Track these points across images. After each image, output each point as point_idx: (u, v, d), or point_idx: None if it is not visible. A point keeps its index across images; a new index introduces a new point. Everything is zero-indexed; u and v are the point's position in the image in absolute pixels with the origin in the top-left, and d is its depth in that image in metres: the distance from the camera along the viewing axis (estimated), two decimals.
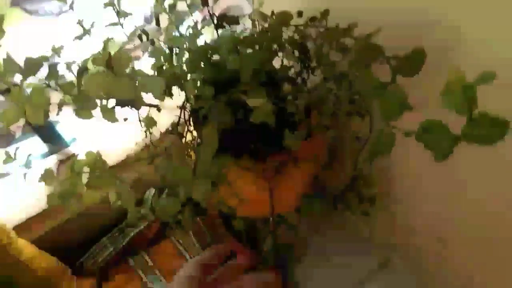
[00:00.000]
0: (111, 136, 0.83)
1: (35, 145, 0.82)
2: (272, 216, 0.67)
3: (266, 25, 0.62)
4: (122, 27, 0.57)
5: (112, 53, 0.60)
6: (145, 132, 0.61)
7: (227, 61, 0.51)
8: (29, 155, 0.65)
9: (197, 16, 0.67)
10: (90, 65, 0.60)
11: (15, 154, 0.62)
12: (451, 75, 0.32)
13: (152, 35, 0.65)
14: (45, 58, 0.45)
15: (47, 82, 0.46)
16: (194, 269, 0.41)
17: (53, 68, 0.48)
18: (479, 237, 0.63)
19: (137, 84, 0.46)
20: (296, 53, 0.61)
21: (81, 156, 0.87)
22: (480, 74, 0.29)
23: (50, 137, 0.82)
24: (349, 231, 0.83)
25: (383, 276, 0.79)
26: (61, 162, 0.85)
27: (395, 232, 0.77)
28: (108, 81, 0.45)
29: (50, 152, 0.82)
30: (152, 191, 0.68)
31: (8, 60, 0.44)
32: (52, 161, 0.83)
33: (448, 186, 0.64)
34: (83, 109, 0.52)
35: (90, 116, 0.53)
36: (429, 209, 0.72)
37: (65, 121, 0.85)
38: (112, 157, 0.81)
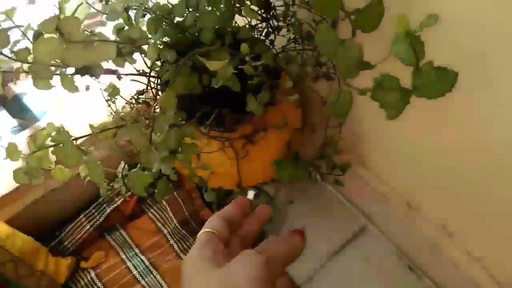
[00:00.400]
0: (80, 108, 0.81)
1: (4, 120, 0.80)
2: (241, 187, 0.67)
3: None
4: None
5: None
6: (108, 102, 0.59)
7: (186, 21, 0.50)
8: None
9: None
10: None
11: None
12: (399, 24, 0.31)
13: None
14: None
15: None
16: (217, 225, 0.37)
17: (3, 33, 0.45)
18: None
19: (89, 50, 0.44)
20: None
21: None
22: (424, 19, 0.28)
23: (19, 111, 0.80)
24: (324, 201, 0.83)
25: (360, 243, 0.80)
26: (31, 138, 0.83)
27: (368, 200, 0.78)
28: (58, 46, 0.43)
29: (21, 127, 0.81)
30: (122, 164, 0.67)
31: None
32: (23, 137, 0.82)
33: (416, 149, 0.64)
34: (40, 78, 0.50)
35: (48, 86, 0.51)
36: (398, 176, 0.72)
37: (34, 93, 0.83)
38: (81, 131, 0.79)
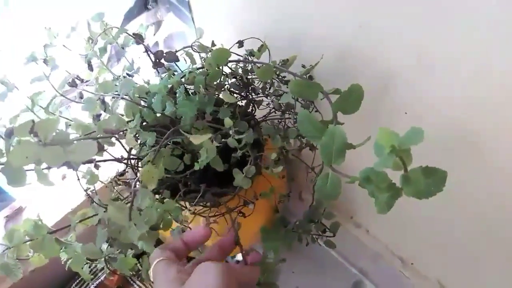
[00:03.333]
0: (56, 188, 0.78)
1: None
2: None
3: (208, 55, 0.60)
4: (49, 80, 0.53)
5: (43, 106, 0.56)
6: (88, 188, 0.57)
7: (159, 108, 0.49)
8: None
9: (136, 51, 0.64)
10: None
11: None
12: (382, 138, 0.30)
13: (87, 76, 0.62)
14: None
15: None
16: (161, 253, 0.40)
17: None
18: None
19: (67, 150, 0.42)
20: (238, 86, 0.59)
21: (29, 213, 0.82)
22: (409, 132, 0.28)
23: None
24: (317, 258, 0.81)
25: None
26: (8, 218, 0.80)
27: (361, 256, 0.76)
28: (35, 150, 0.41)
29: None
30: (104, 246, 0.64)
31: None
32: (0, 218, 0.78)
33: (405, 208, 0.63)
34: (14, 179, 0.48)
35: (23, 184, 0.49)
36: (388, 233, 0.71)
37: None
38: (55, 214, 0.77)
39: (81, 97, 0.53)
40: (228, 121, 0.51)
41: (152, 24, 0.80)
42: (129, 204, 0.47)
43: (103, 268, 0.82)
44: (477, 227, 0.56)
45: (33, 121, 0.42)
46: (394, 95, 0.53)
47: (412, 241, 0.68)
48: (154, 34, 0.82)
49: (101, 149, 0.48)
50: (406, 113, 0.53)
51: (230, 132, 0.53)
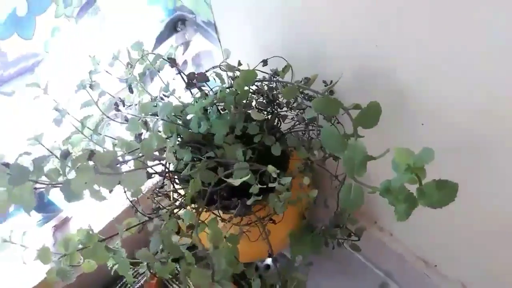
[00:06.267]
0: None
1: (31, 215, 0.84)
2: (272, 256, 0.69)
3: (236, 73, 0.65)
4: (97, 105, 0.60)
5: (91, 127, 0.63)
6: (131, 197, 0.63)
7: (199, 130, 0.54)
8: (24, 233, 0.67)
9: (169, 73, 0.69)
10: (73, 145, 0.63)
11: (10, 237, 0.64)
12: (398, 158, 0.34)
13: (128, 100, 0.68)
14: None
15: (33, 179, 0.48)
16: None
17: (37, 163, 0.50)
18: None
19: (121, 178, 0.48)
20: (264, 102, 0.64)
21: (75, 222, 0.89)
22: (422, 152, 0.32)
23: (43, 206, 0.84)
24: (343, 261, 0.85)
25: None
26: (56, 227, 0.87)
27: (386, 258, 0.80)
28: (92, 177, 0.47)
29: (46, 219, 0.84)
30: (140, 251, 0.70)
31: None
32: (48, 229, 0.85)
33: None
34: (71, 197, 0.53)
35: (79, 200, 0.54)
36: (411, 235, 0.74)
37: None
38: (100, 223, 0.84)
39: (126, 120, 0.58)
40: (271, 169, 0.55)
41: (181, 45, 0.86)
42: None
43: (143, 272, 0.89)
44: (496, 228, 0.59)
45: (92, 151, 0.48)
46: (410, 107, 0.56)
47: (435, 243, 0.71)
48: (183, 53, 0.88)
49: (149, 177, 0.54)
50: (422, 124, 0.56)
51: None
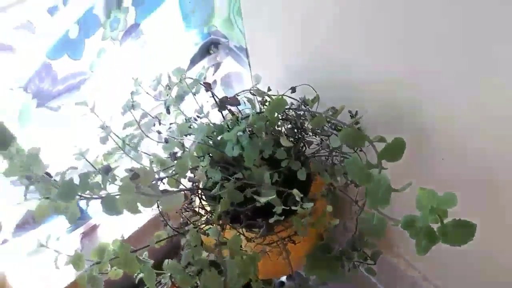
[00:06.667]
0: None
1: (61, 221, 0.89)
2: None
3: (265, 98, 0.69)
4: (139, 126, 0.64)
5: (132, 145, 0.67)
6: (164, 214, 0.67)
7: (231, 153, 0.58)
8: (58, 238, 0.71)
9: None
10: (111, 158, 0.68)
11: (46, 242, 0.68)
12: (423, 199, 0.38)
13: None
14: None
15: (80, 194, 0.52)
16: None
17: (84, 178, 0.54)
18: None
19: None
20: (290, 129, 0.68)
21: (102, 230, 0.93)
22: (445, 195, 0.35)
23: None
24: (357, 283, 0.87)
25: None
26: (84, 234, 0.91)
27: (400, 282, 0.82)
28: (134, 198, 0.51)
29: (75, 227, 0.89)
30: (167, 262, 0.74)
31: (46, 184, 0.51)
32: (76, 235, 0.90)
33: None
34: (112, 210, 0.57)
35: (119, 214, 0.58)
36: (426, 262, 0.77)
37: None
38: (127, 230, 0.88)
39: (166, 141, 0.63)
40: (296, 192, 0.59)
41: (212, 66, 0.91)
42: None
43: (165, 283, 0.93)
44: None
45: (135, 172, 0.52)
46: (432, 143, 0.59)
47: (447, 270, 0.73)
48: (213, 74, 0.93)
49: (186, 199, 0.58)
50: (443, 159, 0.59)
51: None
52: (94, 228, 0.92)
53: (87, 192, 0.57)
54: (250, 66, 0.86)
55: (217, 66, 0.92)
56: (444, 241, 0.38)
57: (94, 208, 0.91)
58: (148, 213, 0.90)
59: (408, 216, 0.43)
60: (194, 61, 0.86)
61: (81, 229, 0.91)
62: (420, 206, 0.37)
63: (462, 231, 0.38)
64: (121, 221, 0.91)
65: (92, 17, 0.66)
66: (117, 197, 0.50)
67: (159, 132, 0.66)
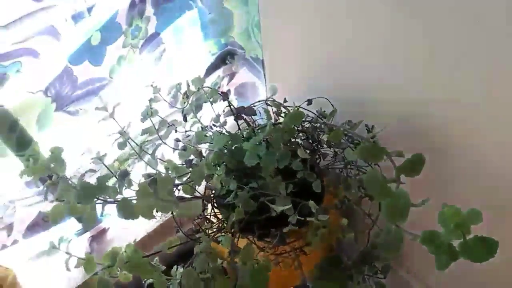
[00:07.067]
0: None
1: (71, 224, 0.89)
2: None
3: (281, 109, 0.70)
4: (157, 133, 0.65)
5: (149, 152, 0.68)
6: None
7: (250, 163, 0.59)
8: (69, 241, 0.71)
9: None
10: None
11: (59, 244, 0.69)
12: (447, 212, 0.38)
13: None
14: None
15: (98, 198, 0.53)
16: None
17: (101, 181, 0.55)
18: None
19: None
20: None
21: (111, 233, 0.93)
22: (470, 212, 0.35)
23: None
24: None
25: None
26: (93, 237, 0.92)
27: None
28: (152, 204, 0.52)
29: (85, 230, 0.89)
30: (175, 268, 0.74)
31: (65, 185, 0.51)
32: (85, 238, 0.90)
33: None
34: (128, 215, 0.58)
35: (135, 219, 0.59)
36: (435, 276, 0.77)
37: None
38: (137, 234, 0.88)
39: (184, 149, 0.63)
40: (312, 204, 0.60)
41: (227, 76, 0.92)
42: None
43: None
44: None
45: (154, 178, 0.53)
46: (451, 159, 0.60)
47: (459, 285, 0.73)
48: (227, 84, 0.94)
49: (204, 207, 0.58)
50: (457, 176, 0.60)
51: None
52: (103, 231, 0.92)
53: (104, 195, 0.58)
54: (265, 77, 0.87)
55: (231, 76, 0.93)
56: (465, 257, 0.38)
57: (105, 212, 0.91)
58: (157, 219, 0.91)
59: (427, 231, 0.43)
60: (210, 70, 0.87)
61: (89, 232, 0.91)
62: (443, 222, 0.37)
63: (484, 248, 0.38)
64: (130, 226, 0.92)
65: (114, 25, 0.67)
66: (134, 201, 0.50)
67: (177, 140, 0.67)
